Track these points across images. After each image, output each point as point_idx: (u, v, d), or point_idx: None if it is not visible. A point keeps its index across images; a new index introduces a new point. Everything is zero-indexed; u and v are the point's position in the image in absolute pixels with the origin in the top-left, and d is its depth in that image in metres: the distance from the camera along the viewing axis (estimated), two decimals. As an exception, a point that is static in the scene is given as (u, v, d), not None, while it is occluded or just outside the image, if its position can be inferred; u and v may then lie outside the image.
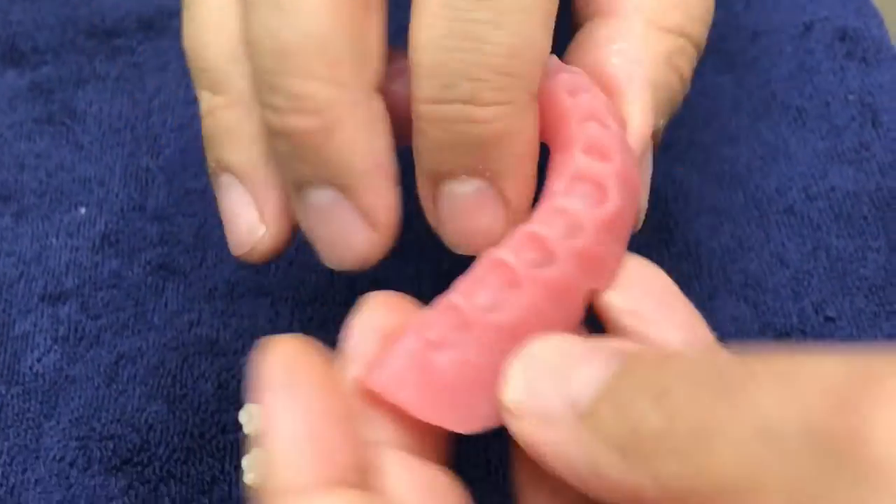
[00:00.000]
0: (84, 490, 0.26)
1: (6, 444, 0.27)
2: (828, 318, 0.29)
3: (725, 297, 0.30)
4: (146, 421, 0.28)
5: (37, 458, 0.27)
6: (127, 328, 0.29)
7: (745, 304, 0.30)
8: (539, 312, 0.18)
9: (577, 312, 0.19)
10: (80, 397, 0.28)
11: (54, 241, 0.31)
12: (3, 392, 0.28)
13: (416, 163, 0.20)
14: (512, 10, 0.18)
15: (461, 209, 0.19)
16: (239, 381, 0.29)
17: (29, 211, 0.32)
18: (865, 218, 0.31)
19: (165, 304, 0.30)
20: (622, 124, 0.20)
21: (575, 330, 0.19)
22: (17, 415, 0.28)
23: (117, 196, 0.32)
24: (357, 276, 0.23)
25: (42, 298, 0.30)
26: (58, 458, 0.27)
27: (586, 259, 0.19)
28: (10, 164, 0.33)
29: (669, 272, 0.31)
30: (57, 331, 0.29)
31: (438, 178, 0.19)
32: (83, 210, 0.32)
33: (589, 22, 0.22)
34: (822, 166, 0.32)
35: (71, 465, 0.27)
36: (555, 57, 0.20)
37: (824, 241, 0.31)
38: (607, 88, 0.20)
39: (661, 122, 0.21)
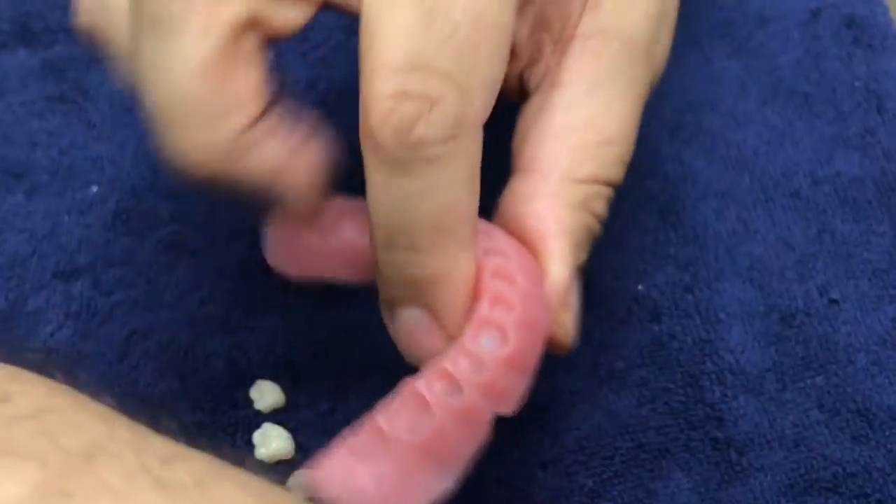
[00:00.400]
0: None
1: (20, 417, 0.28)
2: (832, 301, 0.30)
3: (731, 279, 0.30)
4: (157, 397, 0.28)
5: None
6: (139, 305, 0.30)
7: (751, 287, 0.30)
8: (448, 433, 0.22)
9: (483, 430, 0.22)
10: (91, 373, 0.28)
11: (66, 218, 0.31)
12: (17, 367, 0.29)
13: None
14: (437, 182, 0.21)
15: (406, 331, 0.23)
16: (249, 358, 0.29)
17: (41, 188, 0.32)
18: (870, 202, 0.31)
19: (177, 282, 0.30)
20: (541, 276, 0.24)
21: (478, 447, 0.23)
22: (31, 389, 0.28)
23: (129, 174, 0.32)
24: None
25: (55, 275, 0.30)
26: (71, 432, 0.27)
27: (489, 390, 0.22)
28: (23, 143, 0.33)
29: (676, 255, 0.31)
30: (69, 307, 0.30)
31: (390, 304, 0.23)
32: (95, 188, 0.32)
33: (514, 176, 0.25)
34: (828, 151, 0.32)
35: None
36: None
37: (829, 225, 0.31)
38: (529, 243, 0.24)
39: (584, 257, 0.25)
